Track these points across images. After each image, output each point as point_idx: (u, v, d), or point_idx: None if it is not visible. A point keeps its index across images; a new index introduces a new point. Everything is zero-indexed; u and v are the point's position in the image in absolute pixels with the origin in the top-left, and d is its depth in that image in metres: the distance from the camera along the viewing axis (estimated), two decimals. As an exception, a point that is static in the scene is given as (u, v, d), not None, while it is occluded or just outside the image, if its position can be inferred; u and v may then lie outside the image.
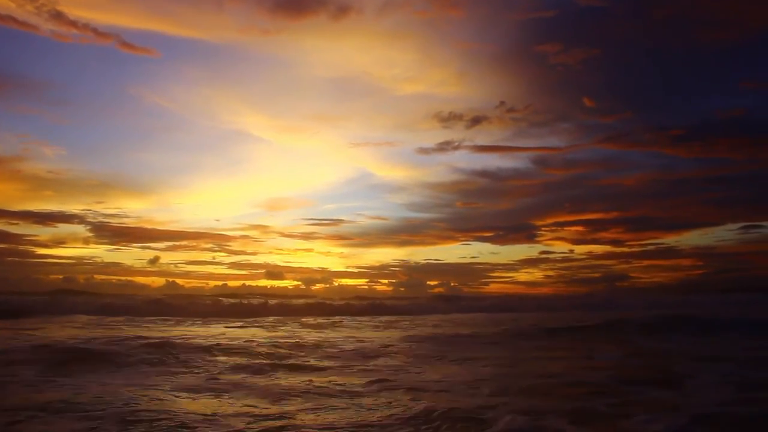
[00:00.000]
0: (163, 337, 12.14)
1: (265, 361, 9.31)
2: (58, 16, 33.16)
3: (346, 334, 15.45)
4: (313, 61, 43.37)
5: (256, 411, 5.70)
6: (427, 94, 44.81)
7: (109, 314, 23.14)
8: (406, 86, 43.29)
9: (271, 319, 22.81)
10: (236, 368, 8.57)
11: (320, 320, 21.77)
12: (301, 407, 5.95)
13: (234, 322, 20.47)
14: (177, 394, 6.46)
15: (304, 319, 22.06)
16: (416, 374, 8.31)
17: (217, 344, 10.80)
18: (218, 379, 7.65)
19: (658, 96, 46.34)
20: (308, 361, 9.50)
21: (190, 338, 12.40)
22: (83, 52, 41.36)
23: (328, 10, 35.55)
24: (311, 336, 14.43)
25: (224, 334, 14.42)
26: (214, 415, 5.46)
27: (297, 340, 12.96)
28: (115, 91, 46.33)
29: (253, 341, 12.00)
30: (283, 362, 9.29)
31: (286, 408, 5.89)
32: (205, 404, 5.98)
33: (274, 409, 5.80)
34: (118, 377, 7.58)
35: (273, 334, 15.16)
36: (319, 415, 5.59)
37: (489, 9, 41.50)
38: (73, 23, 33.77)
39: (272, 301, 34.34)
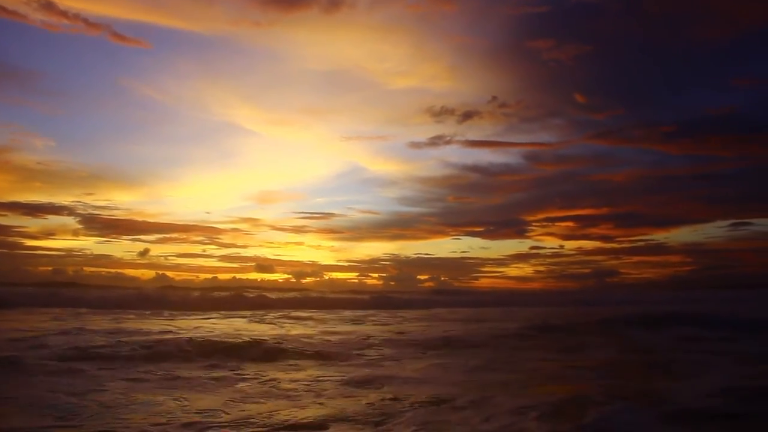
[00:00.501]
0: (137, 330, 11.93)
1: (237, 357, 8.95)
2: (48, 6, 32.74)
3: (330, 327, 15.21)
4: (305, 54, 43.13)
5: (211, 415, 5.28)
6: (419, 89, 44.73)
7: (93, 307, 22.80)
8: (398, 80, 43.14)
9: (254, 312, 22.54)
10: (201, 366, 8.12)
11: (307, 313, 21.53)
12: (262, 410, 5.57)
13: (221, 314, 20.23)
14: (124, 397, 5.98)
15: (290, 312, 21.83)
16: (396, 370, 8.04)
17: (192, 339, 10.51)
18: (181, 377, 7.23)
19: (650, 92, 46.49)
20: (284, 357, 9.20)
21: (165, 332, 12.14)
22: (74, 43, 41.09)
23: (320, 4, 35.26)
24: (295, 330, 14.19)
25: (203, 327, 14.14)
26: (157, 424, 4.98)
27: (276, 334, 12.73)
28: (106, 82, 46.11)
29: (230, 335, 11.73)
30: (257, 358, 8.95)
31: (244, 413, 5.43)
32: (155, 409, 5.52)
33: (231, 414, 5.39)
34: (64, 377, 7.02)
35: (255, 326, 14.93)
36: (281, 420, 5.23)
37: (481, 4, 41.39)
38: (64, 13, 33.37)
39: (261, 294, 34.12)
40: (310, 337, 12.19)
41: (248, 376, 7.39)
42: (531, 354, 9.90)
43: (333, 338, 12.03)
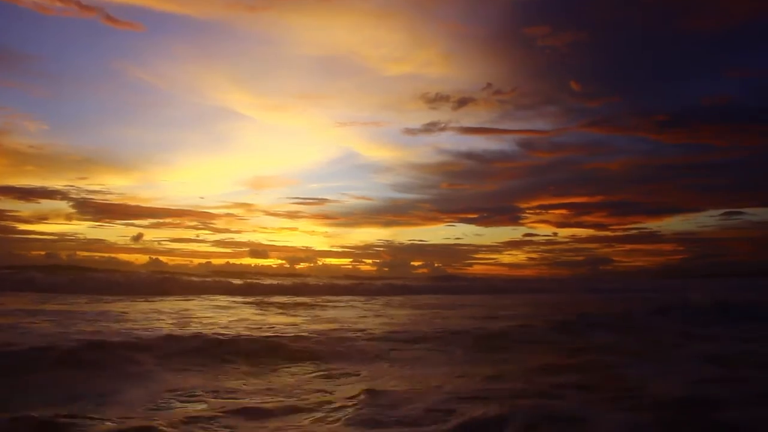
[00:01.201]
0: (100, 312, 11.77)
1: (182, 351, 7.92)
2: (40, -12, 32.22)
3: (310, 315, 15.06)
4: (300, 39, 42.65)
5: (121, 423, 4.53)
6: (414, 75, 44.38)
7: (87, 291, 22.60)
8: (393, 66, 42.77)
9: (245, 297, 22.36)
10: (152, 359, 7.29)
11: (294, 299, 21.43)
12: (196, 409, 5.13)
13: (207, 298, 20.08)
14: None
15: (275, 299, 21.66)
16: (376, 363, 7.83)
17: (157, 328, 10.34)
18: (127, 374, 6.50)
19: (645, 81, 46.16)
20: (233, 352, 8.14)
21: (122, 317, 11.99)
22: (67, 25, 40.56)
23: (315, -12, 34.70)
24: (273, 318, 14.00)
25: (179, 314, 13.99)
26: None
27: (258, 320, 12.60)
28: (99, 65, 45.57)
29: (207, 324, 11.60)
30: (229, 348, 8.29)
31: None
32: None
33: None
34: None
35: (230, 313, 14.70)
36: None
37: (477, -11, 40.80)
38: (57, -5, 32.88)
39: (253, 280, 34.02)
40: (292, 324, 12.02)
41: (178, 377, 6.57)
42: (523, 346, 9.66)
43: (318, 327, 11.68)
